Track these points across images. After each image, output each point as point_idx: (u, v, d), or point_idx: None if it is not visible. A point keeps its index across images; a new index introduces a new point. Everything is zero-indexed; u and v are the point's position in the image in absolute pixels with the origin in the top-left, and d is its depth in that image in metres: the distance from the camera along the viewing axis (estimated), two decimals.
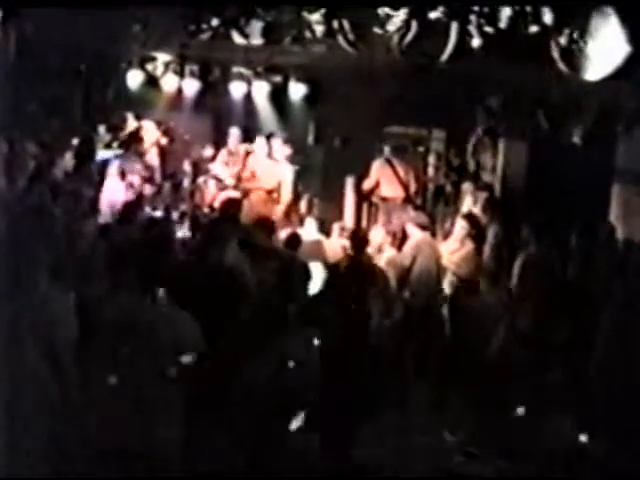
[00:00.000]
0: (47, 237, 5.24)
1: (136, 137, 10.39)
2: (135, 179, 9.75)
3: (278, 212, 10.17)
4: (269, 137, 10.50)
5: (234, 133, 10.53)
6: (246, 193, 10.16)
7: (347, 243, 8.21)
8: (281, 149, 10.41)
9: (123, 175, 9.64)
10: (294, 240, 7.60)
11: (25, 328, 4.06)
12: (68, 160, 9.62)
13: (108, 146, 10.57)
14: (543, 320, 6.87)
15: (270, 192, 10.27)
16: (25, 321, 4.06)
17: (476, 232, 7.94)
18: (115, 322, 4.38)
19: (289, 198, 10.38)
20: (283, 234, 8.00)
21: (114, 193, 9.32)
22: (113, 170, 9.71)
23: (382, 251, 8.38)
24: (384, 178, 10.08)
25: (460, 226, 7.96)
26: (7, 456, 3.87)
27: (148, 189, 10.01)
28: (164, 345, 4.46)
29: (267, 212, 9.76)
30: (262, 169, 10.32)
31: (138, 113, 10.74)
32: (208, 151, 10.67)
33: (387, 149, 10.11)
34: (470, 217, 8.17)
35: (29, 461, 3.98)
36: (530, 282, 7.10)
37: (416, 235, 7.95)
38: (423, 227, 8.04)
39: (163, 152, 11.01)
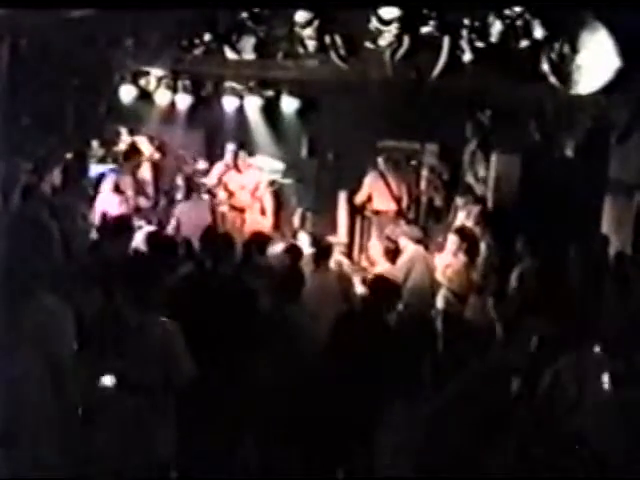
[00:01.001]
0: (42, 250, 5.23)
1: (130, 152, 10.39)
2: (129, 194, 9.76)
3: (265, 225, 10.25)
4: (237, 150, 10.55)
5: (231, 149, 10.57)
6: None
7: (341, 258, 8.22)
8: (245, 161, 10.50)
9: (117, 190, 9.65)
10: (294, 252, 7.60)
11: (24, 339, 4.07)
12: (61, 174, 9.59)
13: (101, 161, 10.58)
14: (539, 332, 6.86)
15: (242, 210, 10.32)
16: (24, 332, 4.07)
17: (468, 246, 7.93)
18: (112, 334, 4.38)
19: (272, 206, 10.46)
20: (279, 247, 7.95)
21: (108, 208, 9.30)
22: (107, 185, 9.71)
23: (375, 264, 8.37)
24: (377, 192, 10.12)
25: (451, 241, 7.94)
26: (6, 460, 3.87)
27: (142, 204, 10.03)
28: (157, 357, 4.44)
29: (248, 228, 9.83)
30: (235, 185, 10.38)
31: (132, 128, 10.75)
32: (201, 164, 10.68)
33: (380, 163, 10.15)
34: (461, 231, 8.15)
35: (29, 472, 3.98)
36: (526, 295, 7.08)
37: (410, 249, 7.95)
38: (417, 241, 8.04)
39: (156, 167, 11.01)
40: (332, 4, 9.11)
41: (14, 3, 7.68)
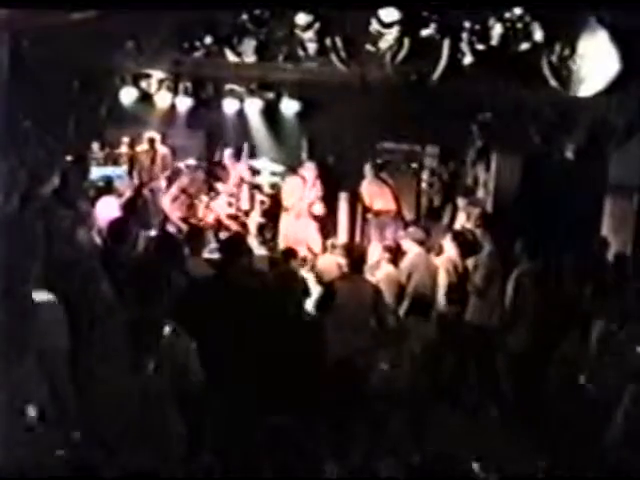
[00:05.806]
0: (42, 253, 5.24)
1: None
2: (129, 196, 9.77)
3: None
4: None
5: (228, 151, 10.62)
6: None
7: (341, 260, 8.23)
8: None
9: (117, 192, 9.65)
10: (290, 253, 7.64)
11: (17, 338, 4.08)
12: (62, 177, 9.60)
13: (102, 163, 10.61)
14: (537, 337, 6.88)
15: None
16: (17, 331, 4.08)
17: (466, 248, 7.91)
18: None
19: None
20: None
21: (108, 210, 9.30)
22: (108, 187, 9.72)
23: (378, 267, 8.37)
24: (377, 194, 10.13)
25: (447, 243, 7.93)
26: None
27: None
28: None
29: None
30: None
31: (134, 130, 10.79)
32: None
33: (380, 165, 10.17)
34: (457, 234, 8.14)
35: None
36: (524, 298, 7.08)
37: (413, 251, 7.94)
38: (420, 242, 8.03)
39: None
40: (333, 7, 9.12)
41: (15, 4, 7.68)
